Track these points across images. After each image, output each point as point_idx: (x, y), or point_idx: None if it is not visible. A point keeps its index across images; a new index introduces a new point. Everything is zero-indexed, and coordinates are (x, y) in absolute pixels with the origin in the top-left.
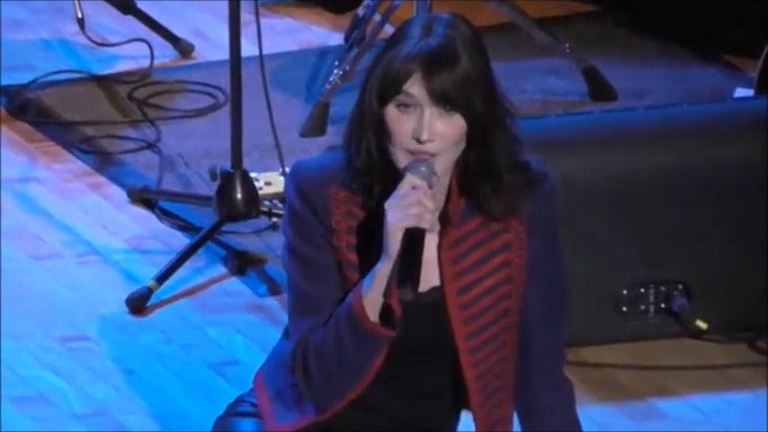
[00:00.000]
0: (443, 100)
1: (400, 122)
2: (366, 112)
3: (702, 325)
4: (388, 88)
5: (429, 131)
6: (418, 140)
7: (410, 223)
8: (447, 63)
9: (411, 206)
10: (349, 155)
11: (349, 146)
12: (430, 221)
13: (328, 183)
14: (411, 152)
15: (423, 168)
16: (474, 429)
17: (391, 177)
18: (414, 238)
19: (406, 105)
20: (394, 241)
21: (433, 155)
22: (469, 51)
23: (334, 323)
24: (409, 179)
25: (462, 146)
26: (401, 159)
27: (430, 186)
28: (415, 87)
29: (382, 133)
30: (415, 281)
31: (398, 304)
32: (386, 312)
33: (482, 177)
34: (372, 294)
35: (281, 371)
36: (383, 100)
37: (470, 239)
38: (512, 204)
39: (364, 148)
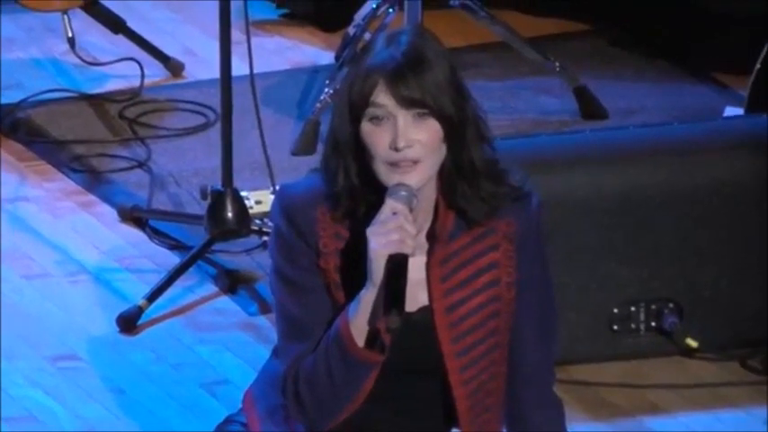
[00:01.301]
0: (412, 103)
1: (376, 136)
2: (340, 135)
3: (693, 343)
4: (357, 104)
5: (405, 138)
6: (396, 149)
7: (392, 249)
8: (412, 67)
9: (392, 232)
10: (327, 180)
11: (327, 171)
12: (411, 246)
13: (314, 205)
14: (392, 163)
15: (402, 193)
16: None
17: (375, 198)
18: (397, 264)
19: (379, 118)
20: (377, 268)
21: (414, 161)
22: (434, 54)
23: (323, 349)
24: (390, 204)
25: (443, 153)
26: (384, 173)
27: (410, 210)
28: (381, 96)
29: (361, 152)
30: (401, 307)
31: (386, 331)
32: (374, 336)
33: (458, 177)
34: (359, 320)
35: (270, 390)
36: (355, 117)
37: (458, 258)
38: (491, 208)
39: (342, 173)
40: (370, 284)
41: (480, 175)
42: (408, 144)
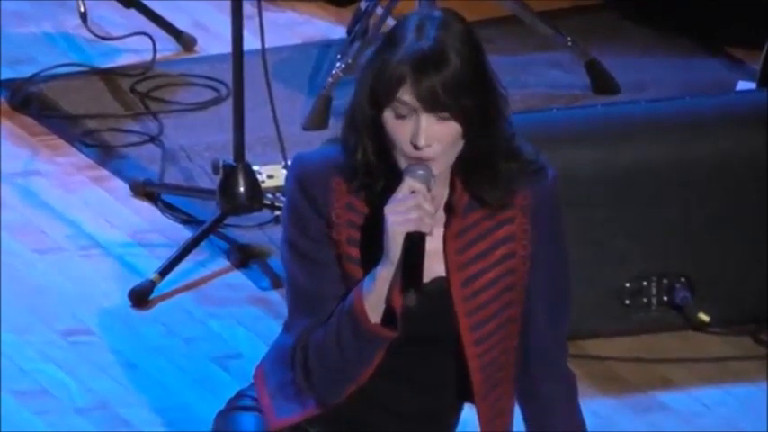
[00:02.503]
0: (434, 106)
1: (398, 129)
2: (359, 115)
3: (705, 318)
4: (382, 95)
5: (425, 137)
6: (416, 147)
7: (410, 227)
8: (438, 67)
9: (410, 210)
10: (346, 153)
11: (345, 144)
12: (430, 225)
13: (329, 175)
14: (410, 158)
15: (420, 172)
16: (477, 421)
17: (393, 174)
18: (415, 242)
19: (402, 114)
20: (395, 246)
21: (431, 159)
22: (460, 50)
23: (335, 322)
24: (408, 183)
25: (461, 145)
26: (402, 162)
27: (428, 189)
28: (407, 96)
29: (381, 136)
30: (418, 285)
31: (401, 309)
32: (388, 312)
33: (476, 168)
34: (373, 297)
35: (280, 365)
36: (379, 105)
37: (474, 230)
38: (507, 193)
39: (360, 150)
40: (386, 261)
41: (498, 162)
42: (428, 143)
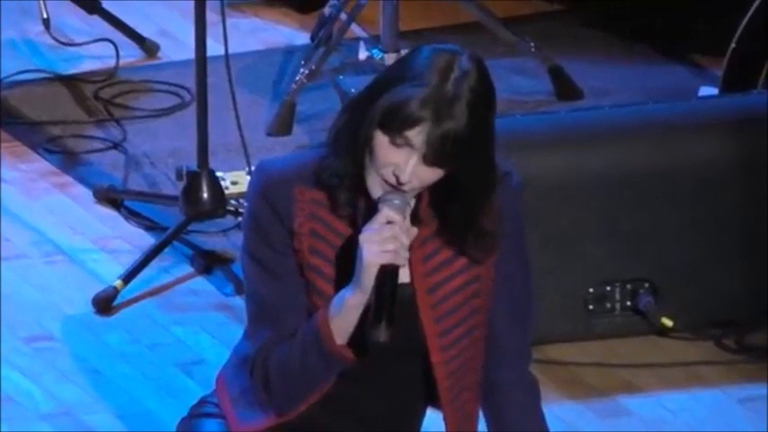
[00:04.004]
0: (438, 157)
1: (388, 154)
2: (362, 131)
3: (668, 322)
4: (391, 125)
5: (410, 176)
6: (398, 181)
7: (387, 260)
8: (454, 121)
9: (387, 242)
10: (330, 156)
11: (334, 149)
12: (405, 258)
13: (293, 183)
14: (385, 182)
15: (397, 201)
16: (443, 427)
17: (359, 188)
18: (389, 275)
19: (399, 143)
20: (368, 276)
21: (406, 192)
22: (478, 108)
23: (299, 342)
24: (384, 213)
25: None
26: (374, 183)
27: (404, 218)
28: (418, 138)
29: (366, 149)
30: (390, 318)
31: (373, 343)
32: (357, 340)
33: (462, 229)
34: (341, 321)
35: (242, 372)
36: (380, 127)
37: (439, 238)
38: (490, 247)
39: (350, 160)
40: (357, 290)
41: (485, 220)
42: (410, 181)
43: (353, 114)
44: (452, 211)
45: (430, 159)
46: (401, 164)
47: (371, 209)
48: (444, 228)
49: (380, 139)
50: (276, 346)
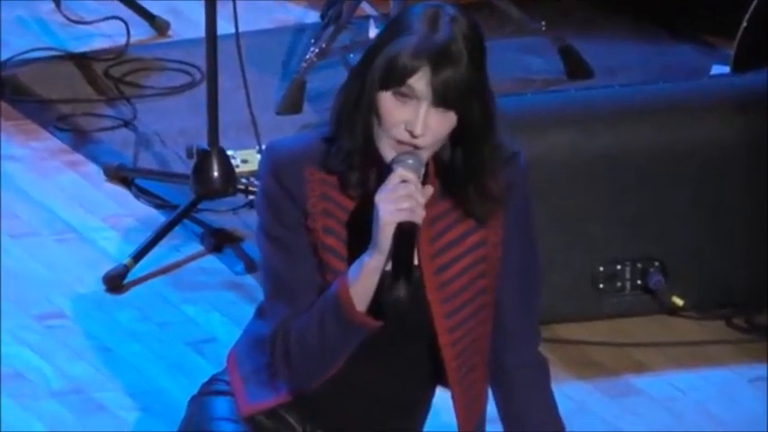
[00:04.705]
0: (444, 99)
1: (395, 111)
2: (365, 96)
3: (679, 302)
4: (392, 79)
5: (423, 126)
6: (411, 133)
7: (403, 217)
8: (453, 62)
9: (402, 200)
10: (336, 135)
11: (339, 126)
12: (421, 215)
13: (303, 164)
14: (399, 142)
15: (410, 161)
16: (452, 405)
17: (371, 164)
18: (407, 233)
19: (404, 95)
20: (385, 236)
21: (421, 148)
22: (472, 52)
23: (318, 311)
24: (398, 173)
25: (446, 140)
26: (387, 146)
27: (419, 178)
28: (420, 83)
29: (372, 117)
30: (409, 275)
31: (391, 300)
32: (377, 304)
33: (468, 180)
34: (360, 286)
35: (254, 350)
36: (382, 86)
37: (446, 219)
38: (494, 206)
39: (348, 132)
40: (375, 251)
41: (489, 178)
42: (424, 133)
43: (352, 87)
44: (455, 160)
45: (438, 100)
46: (411, 117)
47: (384, 180)
48: (448, 183)
49: (385, 99)
50: (295, 320)
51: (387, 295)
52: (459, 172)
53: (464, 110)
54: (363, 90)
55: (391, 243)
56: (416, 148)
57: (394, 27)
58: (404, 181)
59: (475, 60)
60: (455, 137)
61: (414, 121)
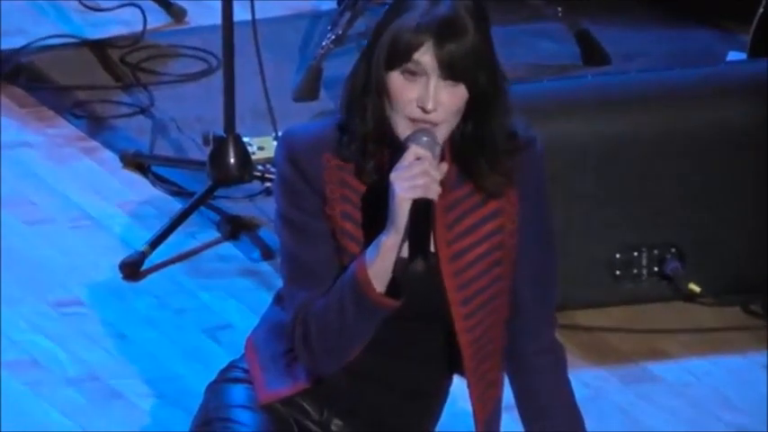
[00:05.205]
0: (451, 71)
1: (405, 89)
2: (372, 78)
3: (695, 288)
4: (397, 56)
5: (434, 101)
6: (423, 109)
7: (418, 194)
8: (457, 34)
9: (417, 177)
10: (348, 121)
11: (350, 112)
12: (436, 192)
13: (320, 151)
14: (413, 120)
15: (425, 138)
16: (467, 393)
17: (387, 147)
18: (421, 210)
19: (412, 73)
20: (402, 214)
21: (435, 124)
22: (476, 22)
23: (337, 293)
24: (413, 150)
25: (460, 115)
26: (402, 126)
27: (434, 156)
28: (425, 56)
29: (383, 99)
30: (426, 252)
31: (408, 278)
32: (394, 283)
33: (479, 152)
34: (378, 265)
35: (271, 337)
36: (389, 66)
37: (463, 205)
38: (505, 181)
39: (360, 116)
40: (392, 230)
41: (500, 151)
42: (435, 108)
43: (359, 71)
44: (466, 133)
45: (445, 73)
46: (422, 93)
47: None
48: (463, 165)
49: (394, 79)
50: (314, 303)
51: (404, 275)
52: (471, 145)
53: (472, 81)
54: (370, 72)
55: (407, 220)
56: (431, 124)
57: (396, 6)
58: (418, 158)
59: (479, 31)
60: (467, 114)
61: (424, 96)
